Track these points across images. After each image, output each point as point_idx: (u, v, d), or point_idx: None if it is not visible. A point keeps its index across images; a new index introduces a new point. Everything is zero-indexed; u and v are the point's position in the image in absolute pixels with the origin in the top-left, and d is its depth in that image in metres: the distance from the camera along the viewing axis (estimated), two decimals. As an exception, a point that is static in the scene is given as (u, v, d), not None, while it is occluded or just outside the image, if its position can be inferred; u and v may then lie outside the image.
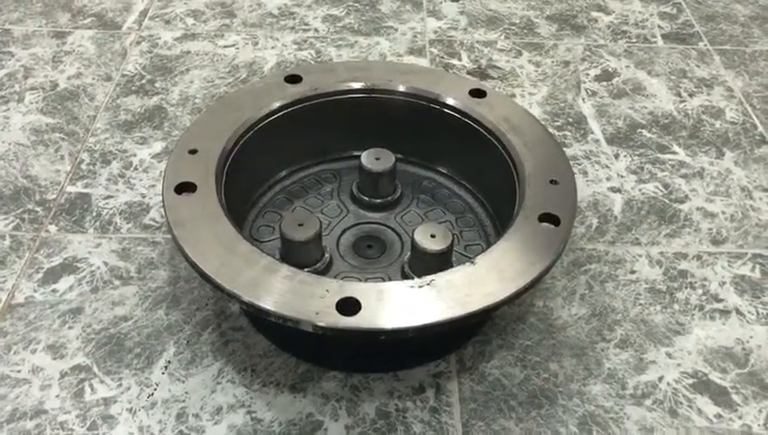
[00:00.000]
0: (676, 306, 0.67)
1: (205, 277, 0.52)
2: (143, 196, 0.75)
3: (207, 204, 0.57)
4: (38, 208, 0.73)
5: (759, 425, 0.58)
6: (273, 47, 0.97)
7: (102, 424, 0.56)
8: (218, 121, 0.65)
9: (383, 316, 0.50)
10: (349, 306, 0.50)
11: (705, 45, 1.01)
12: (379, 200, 0.70)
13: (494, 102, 0.69)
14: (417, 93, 0.70)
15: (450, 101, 0.69)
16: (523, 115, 0.68)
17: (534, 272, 0.53)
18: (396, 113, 0.71)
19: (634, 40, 1.02)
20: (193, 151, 0.62)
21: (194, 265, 0.53)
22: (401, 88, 0.71)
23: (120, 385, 0.58)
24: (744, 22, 1.07)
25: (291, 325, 0.50)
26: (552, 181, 0.61)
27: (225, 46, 0.97)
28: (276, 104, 0.68)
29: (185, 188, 0.59)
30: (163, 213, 0.72)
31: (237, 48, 0.97)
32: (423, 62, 0.96)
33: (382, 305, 0.51)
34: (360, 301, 0.51)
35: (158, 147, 0.81)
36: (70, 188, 0.76)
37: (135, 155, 0.80)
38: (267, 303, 0.51)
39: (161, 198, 0.59)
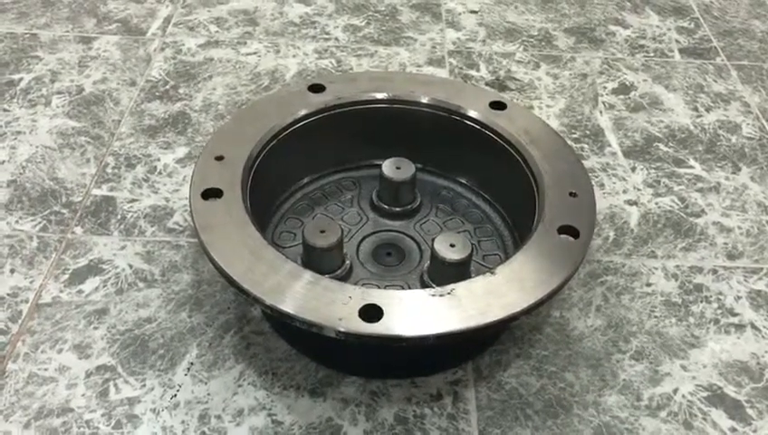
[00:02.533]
0: (691, 319, 0.67)
1: (231, 282, 0.54)
2: (167, 200, 0.76)
3: (234, 210, 0.59)
4: (64, 211, 0.75)
5: (773, 439, 0.58)
6: (294, 55, 0.99)
7: (127, 423, 0.57)
8: (244, 129, 0.67)
9: (405, 324, 0.51)
10: (371, 313, 0.51)
11: (723, 60, 1.02)
12: (398, 209, 0.71)
13: (514, 115, 0.70)
14: (438, 104, 0.71)
15: (471, 113, 0.70)
16: (542, 128, 0.69)
17: (553, 283, 0.54)
18: (417, 123, 0.72)
19: (651, 54, 1.03)
20: (219, 158, 0.63)
21: (220, 270, 0.54)
22: (423, 99, 0.72)
23: (144, 386, 0.60)
24: (762, 38, 1.07)
25: (315, 331, 0.51)
26: (571, 194, 0.62)
27: (248, 54, 0.98)
28: (300, 113, 0.69)
29: (211, 193, 0.60)
30: (187, 217, 0.74)
31: (259, 56, 0.98)
32: (442, 72, 0.97)
33: (404, 313, 0.52)
34: (383, 308, 0.52)
35: (181, 152, 0.82)
36: (95, 191, 0.77)
37: (159, 159, 0.81)
38: (292, 308, 0.52)
39: (188, 204, 0.60)
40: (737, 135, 0.89)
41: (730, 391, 0.62)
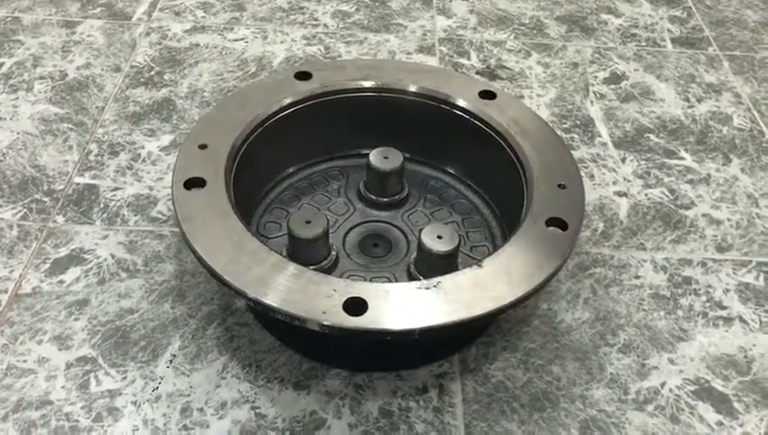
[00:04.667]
0: (679, 312, 0.67)
1: (213, 274, 0.53)
2: (151, 188, 0.75)
3: (217, 200, 0.58)
4: (46, 199, 0.74)
5: (760, 433, 0.58)
6: (282, 42, 0.97)
7: (107, 416, 0.56)
8: (228, 117, 0.66)
9: (390, 317, 0.50)
10: (355, 306, 0.51)
11: (715, 50, 1.01)
12: (386, 199, 0.70)
13: (504, 104, 0.69)
14: (427, 94, 0.70)
15: (460, 103, 0.69)
16: (532, 118, 0.68)
17: (541, 276, 0.54)
18: (405, 113, 0.71)
19: (643, 43, 1.02)
20: (203, 146, 0.62)
21: (202, 262, 0.53)
22: (411, 88, 0.71)
23: (125, 378, 0.59)
24: (754, 27, 1.07)
25: (298, 324, 0.50)
26: (560, 185, 0.61)
27: (235, 40, 0.97)
28: (286, 101, 0.68)
29: (194, 183, 0.59)
30: (171, 207, 0.73)
31: (246, 42, 0.97)
32: (432, 60, 0.96)
33: (389, 306, 0.51)
34: (367, 301, 0.51)
35: (166, 139, 0.81)
36: (78, 179, 0.76)
37: (143, 147, 0.80)
38: (275, 300, 0.51)
39: (170, 193, 0.59)
40: (728, 126, 0.89)
41: (717, 384, 0.61)
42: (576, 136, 0.86)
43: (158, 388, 0.58)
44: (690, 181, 0.81)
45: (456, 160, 0.73)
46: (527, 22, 1.04)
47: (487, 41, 1.00)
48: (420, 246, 0.60)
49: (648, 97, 0.92)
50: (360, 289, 0.52)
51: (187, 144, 0.62)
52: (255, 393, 0.58)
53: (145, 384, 0.58)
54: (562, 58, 0.98)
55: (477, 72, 0.94)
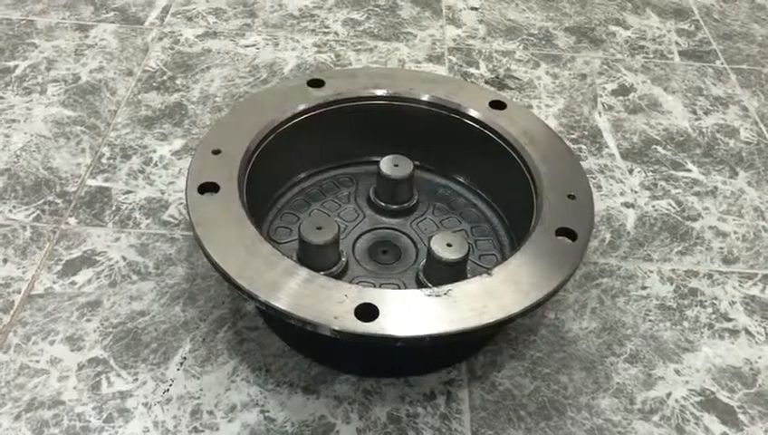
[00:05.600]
0: (685, 324, 0.67)
1: (226, 278, 0.53)
2: (162, 192, 0.76)
3: (230, 205, 0.58)
4: (58, 201, 0.74)
5: (765, 445, 0.59)
6: (293, 49, 0.98)
7: (118, 417, 0.57)
8: (242, 123, 0.66)
9: (400, 324, 0.51)
10: (367, 312, 0.51)
11: (722, 64, 1.02)
12: (395, 206, 0.71)
13: (514, 115, 0.70)
14: (438, 103, 0.71)
15: (471, 112, 0.70)
16: (542, 129, 0.69)
17: (550, 286, 0.54)
18: (416, 121, 0.72)
19: (651, 55, 1.03)
20: (216, 152, 0.63)
21: (215, 265, 0.54)
22: (423, 97, 0.71)
23: (137, 379, 0.59)
24: (762, 42, 1.07)
25: (309, 329, 0.51)
26: (569, 196, 0.62)
27: (246, 46, 0.98)
28: (299, 108, 0.69)
29: (208, 188, 0.59)
30: (182, 210, 0.73)
31: (258, 48, 0.97)
32: (441, 69, 0.97)
33: (400, 313, 0.52)
34: (379, 307, 0.52)
35: (177, 144, 0.82)
36: (90, 182, 0.77)
37: (155, 151, 0.81)
38: (287, 305, 0.51)
39: (182, 197, 0.60)
40: (735, 139, 0.89)
41: (723, 396, 0.62)
42: (584, 147, 0.86)
43: (168, 390, 0.59)
44: (697, 193, 0.81)
45: (466, 169, 0.74)
46: (536, 32, 1.05)
47: (496, 51, 1.01)
48: (430, 253, 0.61)
49: (656, 109, 0.93)
50: (372, 295, 0.52)
51: (201, 149, 0.63)
52: (265, 397, 0.59)
53: (156, 386, 0.59)
54: (571, 69, 0.98)
55: (486, 82, 0.95)
